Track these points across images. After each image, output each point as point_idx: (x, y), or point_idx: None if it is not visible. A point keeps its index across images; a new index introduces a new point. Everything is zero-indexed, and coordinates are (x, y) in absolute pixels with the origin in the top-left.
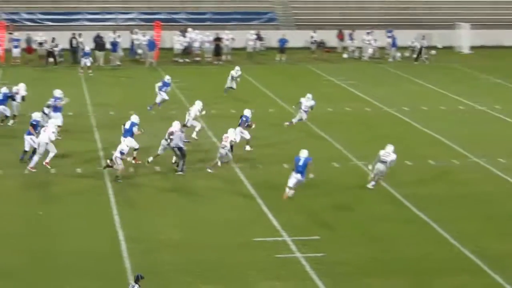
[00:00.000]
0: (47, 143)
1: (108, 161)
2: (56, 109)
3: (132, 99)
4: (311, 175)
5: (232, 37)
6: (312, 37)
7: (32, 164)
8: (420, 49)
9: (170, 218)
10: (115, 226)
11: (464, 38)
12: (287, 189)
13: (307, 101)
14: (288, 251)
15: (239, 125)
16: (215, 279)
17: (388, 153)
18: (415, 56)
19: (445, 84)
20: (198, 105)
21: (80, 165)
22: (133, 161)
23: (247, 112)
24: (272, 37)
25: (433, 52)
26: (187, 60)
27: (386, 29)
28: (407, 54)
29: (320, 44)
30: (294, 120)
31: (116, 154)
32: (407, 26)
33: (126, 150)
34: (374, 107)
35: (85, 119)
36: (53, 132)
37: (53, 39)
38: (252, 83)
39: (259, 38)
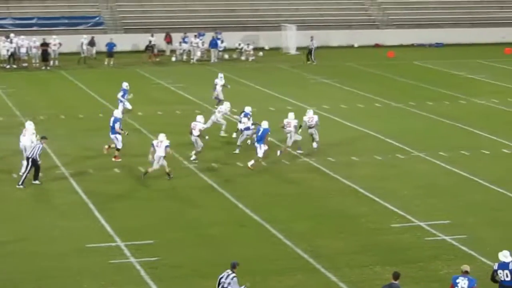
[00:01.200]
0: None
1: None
2: None
3: None
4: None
5: (60, 42)
6: (150, 41)
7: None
8: (310, 50)
9: (2, 226)
10: None
11: (290, 39)
12: (253, 161)
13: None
14: (122, 257)
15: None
16: (49, 287)
17: (310, 117)
18: (309, 56)
19: (273, 85)
20: (226, 105)
21: None
22: (114, 159)
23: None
24: (100, 41)
25: (260, 53)
26: (14, 66)
27: (215, 31)
28: (234, 55)
29: (149, 48)
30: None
31: (160, 154)
32: (234, 28)
33: (168, 143)
34: (203, 109)
35: None
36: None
37: None
38: (81, 88)
39: (92, 43)
